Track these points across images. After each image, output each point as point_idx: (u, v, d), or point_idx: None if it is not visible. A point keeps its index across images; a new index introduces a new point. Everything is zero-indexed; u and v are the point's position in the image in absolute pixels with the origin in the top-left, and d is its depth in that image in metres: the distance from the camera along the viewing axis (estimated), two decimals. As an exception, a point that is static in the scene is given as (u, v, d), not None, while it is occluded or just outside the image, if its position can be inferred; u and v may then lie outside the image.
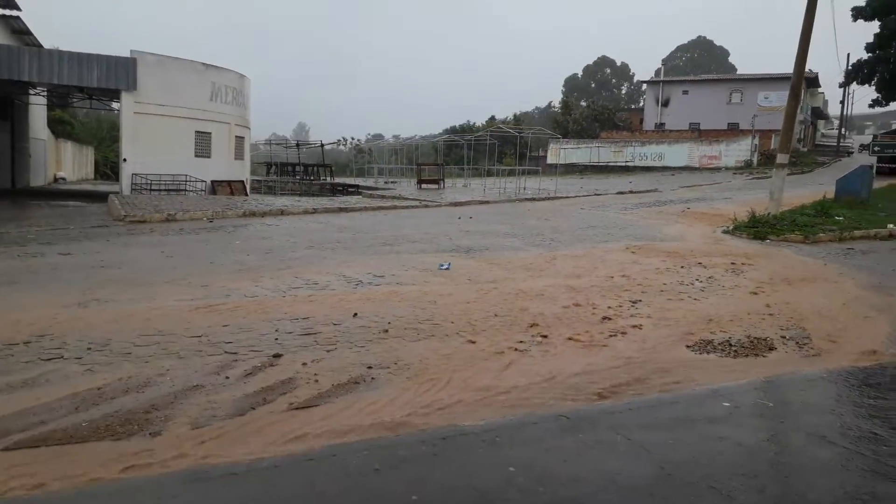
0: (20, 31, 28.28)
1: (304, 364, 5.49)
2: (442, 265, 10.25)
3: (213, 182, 25.88)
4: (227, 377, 5.16)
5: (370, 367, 5.44)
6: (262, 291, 8.29)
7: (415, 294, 8.24)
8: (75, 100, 32.38)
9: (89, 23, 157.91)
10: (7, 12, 26.63)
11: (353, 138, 72.13)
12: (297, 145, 48.49)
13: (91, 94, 28.43)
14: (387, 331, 6.55)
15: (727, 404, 4.63)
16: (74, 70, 22.69)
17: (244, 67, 28.57)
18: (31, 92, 29.44)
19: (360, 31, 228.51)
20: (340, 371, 5.35)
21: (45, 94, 30.59)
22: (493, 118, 75.01)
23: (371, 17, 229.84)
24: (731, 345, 6.30)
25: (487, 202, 24.00)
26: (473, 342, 6.23)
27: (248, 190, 28.34)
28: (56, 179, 38.25)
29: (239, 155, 28.23)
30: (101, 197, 23.74)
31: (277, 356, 5.68)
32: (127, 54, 23.44)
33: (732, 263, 10.84)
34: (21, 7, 26.31)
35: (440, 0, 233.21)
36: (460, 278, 9.38)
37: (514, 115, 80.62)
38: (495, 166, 35.99)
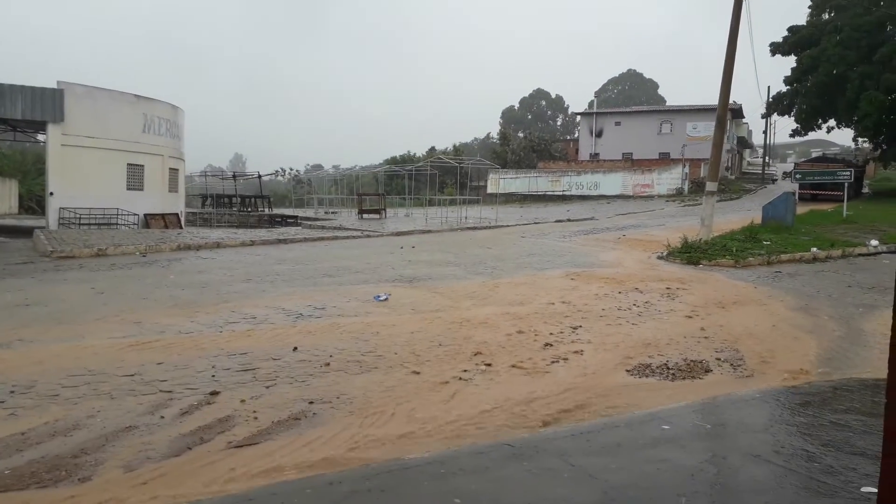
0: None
1: (243, 401, 5.34)
2: (378, 296, 10.15)
3: (146, 215, 25.18)
4: (162, 417, 4.97)
5: (311, 402, 5.33)
6: (197, 327, 8.05)
7: (357, 326, 8.15)
8: (-2, 131, 31.11)
9: (15, 55, 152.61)
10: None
11: (291, 169, 71.30)
12: (234, 176, 47.72)
13: (15, 126, 27.38)
14: (328, 364, 6.45)
15: (667, 427, 4.71)
16: (-5, 101, 21.84)
17: (178, 99, 28.11)
18: (-50, 123, 28.17)
19: (295, 62, 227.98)
20: (280, 407, 5.22)
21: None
22: (433, 149, 75.68)
23: (306, 49, 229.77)
24: (668, 368, 6.44)
25: (430, 231, 24.08)
26: (418, 373, 6.19)
27: (182, 223, 27.66)
28: (-24, 214, 36.49)
29: (173, 187, 27.59)
30: (26, 232, 22.72)
31: (214, 393, 5.51)
32: (54, 85, 22.74)
33: (668, 288, 11.14)
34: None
35: (376, 33, 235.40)
36: (403, 308, 9.33)
37: (454, 146, 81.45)
38: (437, 196, 36.20)
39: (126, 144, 24.56)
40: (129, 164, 24.81)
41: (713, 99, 18.81)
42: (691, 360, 6.70)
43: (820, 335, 7.90)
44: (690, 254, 15.09)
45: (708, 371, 6.38)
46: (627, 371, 6.36)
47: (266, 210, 40.66)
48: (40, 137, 31.28)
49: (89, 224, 22.86)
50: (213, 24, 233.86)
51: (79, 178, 22.73)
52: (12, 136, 31.96)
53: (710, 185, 17.95)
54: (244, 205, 42.04)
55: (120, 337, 7.47)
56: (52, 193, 22.54)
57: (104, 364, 6.32)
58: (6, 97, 21.95)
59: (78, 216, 22.73)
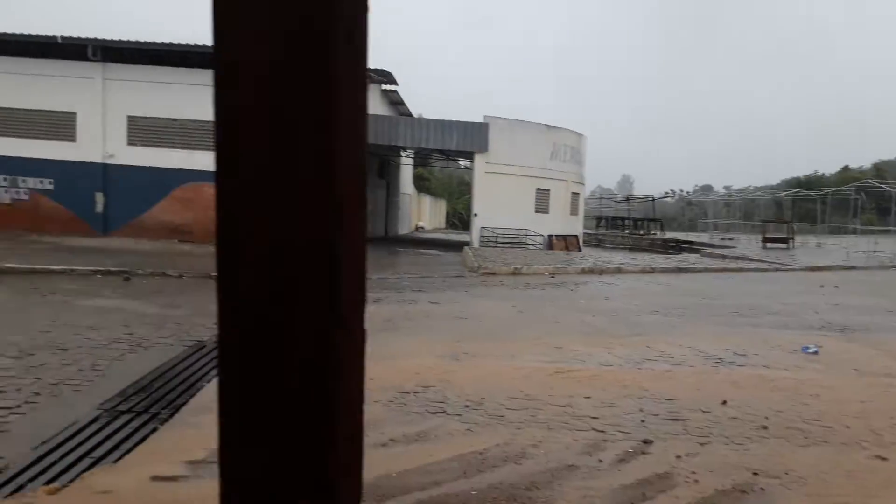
0: (396, 102, 33.15)
1: (678, 457, 5.09)
2: (807, 348, 8.96)
3: (549, 236, 26.96)
4: (600, 460, 5.01)
5: (755, 474, 4.83)
6: (615, 360, 8.11)
7: (789, 383, 7.28)
8: (434, 159, 36.78)
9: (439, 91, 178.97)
10: (388, 87, 31.44)
11: (680, 190, 69.48)
12: (627, 199, 48.41)
13: (448, 155, 32.00)
14: (765, 427, 5.82)
15: None
16: (438, 135, 25.75)
17: (572, 124, 29.53)
18: (403, 154, 34.24)
19: (685, 77, 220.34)
20: (720, 473, 4.83)
21: (412, 155, 35.33)
22: (846, 168, 66.10)
23: (696, 66, 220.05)
24: None
25: (854, 268, 20.84)
26: (884, 459, 5.19)
27: (580, 245, 28.89)
28: (416, 228, 43.77)
29: (574, 210, 29.06)
30: (454, 246, 26.26)
31: (647, 442, 5.38)
32: (480, 119, 25.91)
33: None
34: (398, 82, 30.85)
35: (772, 41, 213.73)
36: (843, 366, 8.08)
37: (874, 164, 69.84)
38: (858, 226, 31.28)
39: (535, 171, 26.71)
40: (537, 189, 26.92)
41: None
42: None
43: None
44: None
45: None
46: None
47: (658, 233, 40.22)
48: (461, 163, 36.06)
49: (504, 243, 25.41)
50: (611, 51, 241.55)
51: (496, 201, 25.46)
52: (445, 163, 37.51)
53: None
54: (636, 227, 42.29)
55: (545, 361, 7.91)
56: (475, 214, 25.66)
57: (536, 389, 6.71)
58: (445, 131, 25.77)
59: (495, 235, 25.45)
